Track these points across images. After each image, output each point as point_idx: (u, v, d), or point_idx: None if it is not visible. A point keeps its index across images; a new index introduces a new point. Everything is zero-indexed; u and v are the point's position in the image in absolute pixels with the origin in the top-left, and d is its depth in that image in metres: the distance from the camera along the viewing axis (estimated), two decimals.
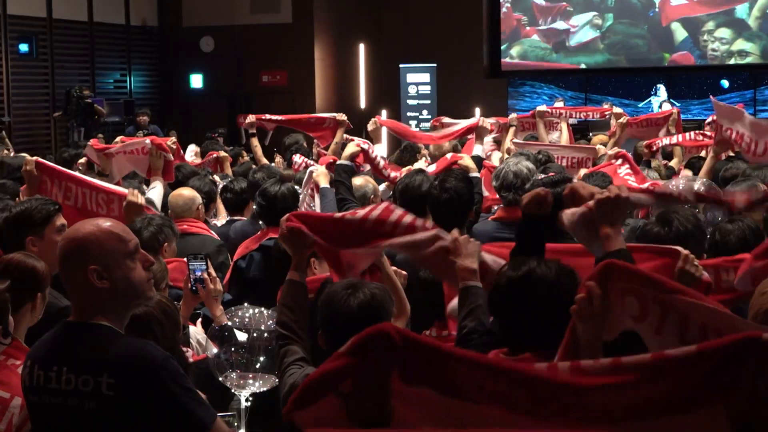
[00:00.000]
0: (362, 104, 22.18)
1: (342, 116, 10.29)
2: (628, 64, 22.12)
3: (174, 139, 9.15)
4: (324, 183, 7.41)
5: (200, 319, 5.29)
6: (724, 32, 21.56)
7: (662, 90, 21.80)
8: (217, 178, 9.15)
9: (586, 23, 22.17)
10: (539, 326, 3.15)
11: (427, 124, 16.03)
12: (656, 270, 3.57)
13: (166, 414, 3.06)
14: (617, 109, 11.36)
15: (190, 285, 5.00)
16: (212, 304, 4.95)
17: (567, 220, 3.48)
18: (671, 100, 20.93)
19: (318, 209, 6.66)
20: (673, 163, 9.79)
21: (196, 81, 21.81)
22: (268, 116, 11.00)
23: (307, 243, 3.96)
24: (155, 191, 7.55)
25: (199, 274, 5.03)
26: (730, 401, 2.03)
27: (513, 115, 11.54)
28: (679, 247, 3.73)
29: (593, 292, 2.71)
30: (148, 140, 8.13)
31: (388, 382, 2.19)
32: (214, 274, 5.04)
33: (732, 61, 21.57)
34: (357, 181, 7.25)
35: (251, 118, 10.81)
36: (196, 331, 5.00)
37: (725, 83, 21.62)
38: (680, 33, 21.79)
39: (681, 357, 2.05)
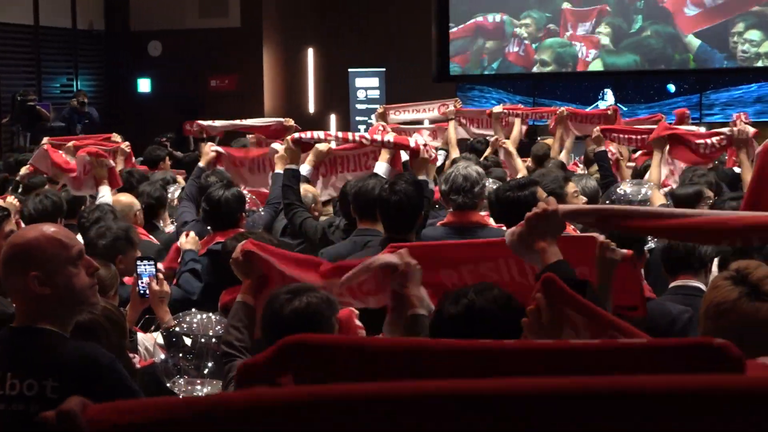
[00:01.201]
0: (311, 109, 22.16)
1: (290, 121, 10.27)
2: (577, 68, 22.28)
3: (127, 144, 9.14)
4: (279, 168, 7.44)
5: (153, 327, 5.26)
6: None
7: (609, 94, 21.95)
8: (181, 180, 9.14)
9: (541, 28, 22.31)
10: None
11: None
12: (581, 259, 3.64)
13: None
14: (497, 108, 11.49)
15: (138, 288, 4.97)
16: (158, 307, 4.92)
17: (508, 239, 3.52)
18: (618, 104, 21.07)
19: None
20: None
21: (144, 85, 21.69)
22: (214, 123, 10.95)
23: (259, 270, 3.96)
24: (104, 200, 7.50)
25: (147, 278, 5.00)
26: None
27: (451, 107, 11.59)
28: (595, 234, 3.78)
29: (540, 303, 2.71)
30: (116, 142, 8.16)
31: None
32: (162, 276, 5.02)
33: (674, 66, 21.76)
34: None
35: (197, 126, 10.81)
36: (144, 338, 4.97)
37: (672, 88, 21.81)
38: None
39: (632, 346, 2.04)
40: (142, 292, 4.95)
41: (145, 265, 5.02)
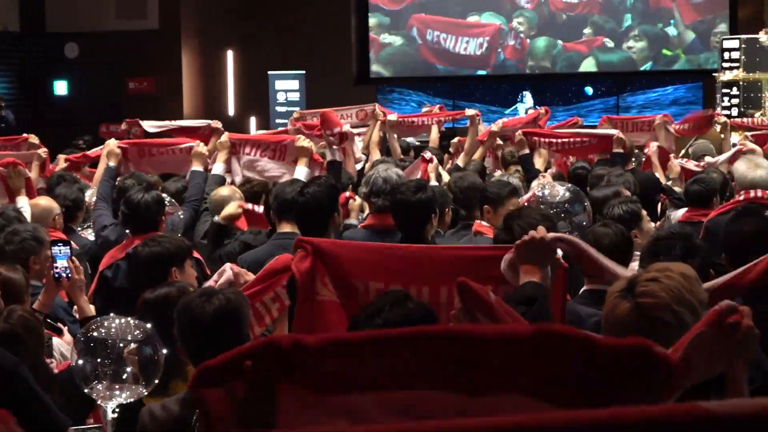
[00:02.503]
0: (231, 111, 22.05)
1: (217, 123, 10.23)
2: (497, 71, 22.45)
3: (44, 150, 8.99)
4: (197, 166, 7.43)
5: (66, 327, 5.20)
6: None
7: (528, 97, 22.14)
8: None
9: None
10: None
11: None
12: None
13: (18, 421, 3.00)
14: (470, 111, 11.51)
15: (52, 272, 4.90)
16: (77, 294, 4.87)
17: (502, 267, 3.63)
18: (537, 107, 21.24)
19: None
20: (538, 164, 9.87)
21: (61, 88, 21.41)
22: (146, 123, 10.86)
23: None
24: (24, 211, 7.40)
25: (61, 261, 4.93)
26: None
27: (377, 108, 11.59)
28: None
29: (457, 308, 2.73)
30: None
31: (273, 397, 2.16)
32: (77, 262, 4.96)
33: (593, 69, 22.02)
34: (223, 191, 7.21)
35: (124, 125, 10.70)
36: (59, 343, 4.91)
37: (589, 90, 22.06)
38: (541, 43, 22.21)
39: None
40: (56, 276, 4.88)
41: (60, 247, 4.95)
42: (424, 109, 19.29)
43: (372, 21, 22.70)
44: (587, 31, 21.99)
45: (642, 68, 21.79)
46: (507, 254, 3.61)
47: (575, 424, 1.55)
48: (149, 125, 10.73)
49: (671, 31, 21.72)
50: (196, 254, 6.09)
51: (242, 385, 2.16)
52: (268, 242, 6.22)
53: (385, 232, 6.11)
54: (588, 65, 22.01)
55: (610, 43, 21.93)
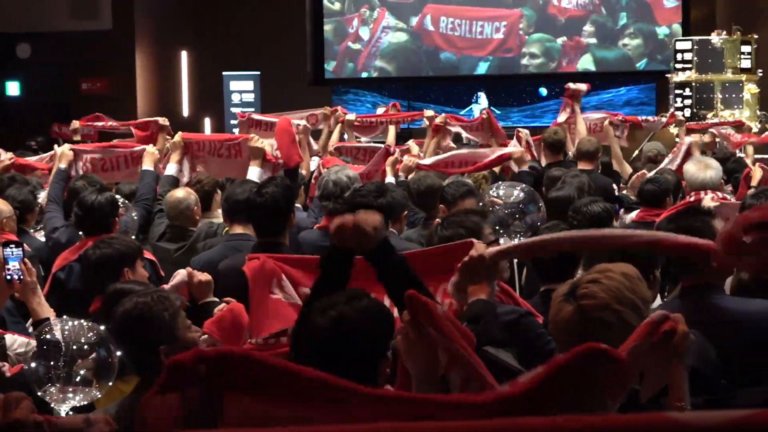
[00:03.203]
0: (185, 112, 21.95)
1: (165, 120, 10.18)
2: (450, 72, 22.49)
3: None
4: (148, 165, 7.41)
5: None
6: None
7: (483, 98, 22.21)
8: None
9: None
10: (355, 370, 2.99)
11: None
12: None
13: None
14: (428, 112, 11.52)
15: (4, 274, 4.86)
16: (29, 296, 4.83)
17: (449, 290, 3.67)
18: (492, 107, 21.33)
19: None
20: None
21: (13, 88, 21.21)
22: (96, 123, 10.80)
23: None
24: None
25: (13, 263, 4.88)
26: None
27: (339, 112, 11.58)
28: (474, 240, 3.88)
29: (406, 321, 2.73)
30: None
31: (220, 405, 2.16)
32: (30, 264, 4.92)
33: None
34: (178, 193, 7.19)
35: (75, 123, 10.61)
36: (12, 340, 4.86)
37: (543, 91, 22.17)
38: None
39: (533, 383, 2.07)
40: (8, 278, 4.84)
41: (12, 249, 4.91)
42: (380, 110, 19.37)
43: (327, 26, 22.69)
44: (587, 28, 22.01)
45: (638, 65, 21.85)
46: (452, 277, 3.63)
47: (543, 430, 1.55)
48: (92, 125, 10.67)
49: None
50: (149, 255, 6.07)
51: (196, 391, 2.15)
52: (220, 243, 6.23)
53: None
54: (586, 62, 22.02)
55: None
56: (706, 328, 4.25)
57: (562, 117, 11.26)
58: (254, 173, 7.33)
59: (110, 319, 3.90)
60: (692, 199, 6.79)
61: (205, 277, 4.97)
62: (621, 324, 2.83)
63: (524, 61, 22.14)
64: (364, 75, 22.74)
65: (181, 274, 4.96)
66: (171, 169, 7.67)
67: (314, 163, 10.03)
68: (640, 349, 2.39)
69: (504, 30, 22.08)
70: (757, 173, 7.95)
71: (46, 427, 2.33)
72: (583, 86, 10.49)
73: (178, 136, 7.93)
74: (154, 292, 3.92)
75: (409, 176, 8.18)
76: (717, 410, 1.52)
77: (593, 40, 21.87)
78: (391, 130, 11.68)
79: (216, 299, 4.93)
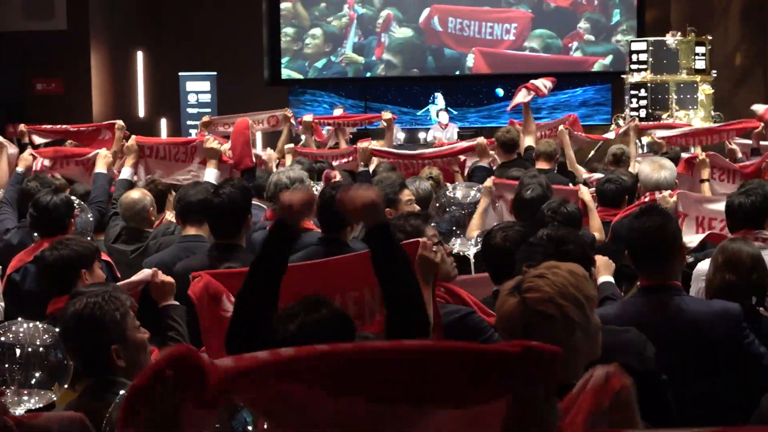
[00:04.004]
0: (141, 113, 21.84)
1: (120, 123, 10.11)
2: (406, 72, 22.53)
3: None
4: (101, 168, 7.39)
5: None
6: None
7: (440, 98, 22.25)
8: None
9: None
10: None
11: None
12: None
13: None
14: (386, 114, 11.52)
15: None
16: None
17: None
18: (449, 108, 21.39)
19: None
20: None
21: None
22: (43, 126, 10.71)
23: None
24: None
25: None
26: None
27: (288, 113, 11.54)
28: (421, 239, 3.92)
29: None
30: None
31: (178, 411, 2.15)
32: None
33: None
34: (134, 194, 7.16)
35: (22, 127, 10.52)
36: None
37: (500, 91, 22.24)
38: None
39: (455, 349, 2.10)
40: None
41: None
42: (337, 111, 19.38)
43: (286, 29, 22.68)
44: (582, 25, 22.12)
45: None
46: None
47: None
48: (40, 134, 10.59)
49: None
50: (105, 257, 6.04)
51: (159, 400, 2.14)
52: (173, 245, 6.22)
53: None
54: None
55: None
56: (664, 328, 4.31)
57: (519, 98, 11.30)
58: (211, 174, 7.32)
59: (60, 323, 3.87)
60: (647, 199, 6.83)
61: (168, 278, 4.96)
62: (563, 318, 2.89)
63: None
64: (324, 75, 22.74)
65: (144, 273, 4.93)
66: (125, 173, 7.65)
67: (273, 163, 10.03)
68: (599, 416, 2.37)
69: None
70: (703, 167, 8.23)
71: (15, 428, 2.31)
72: (548, 83, 10.47)
73: (132, 140, 7.90)
74: (105, 292, 3.89)
75: (371, 167, 8.24)
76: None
77: (591, 37, 21.99)
78: (342, 143, 11.57)
79: (177, 303, 4.92)
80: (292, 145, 10.55)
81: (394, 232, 4.38)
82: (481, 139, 9.25)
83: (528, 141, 10.59)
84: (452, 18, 22.32)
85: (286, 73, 22.72)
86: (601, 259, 4.96)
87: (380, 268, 3.58)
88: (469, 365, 2.09)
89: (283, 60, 22.70)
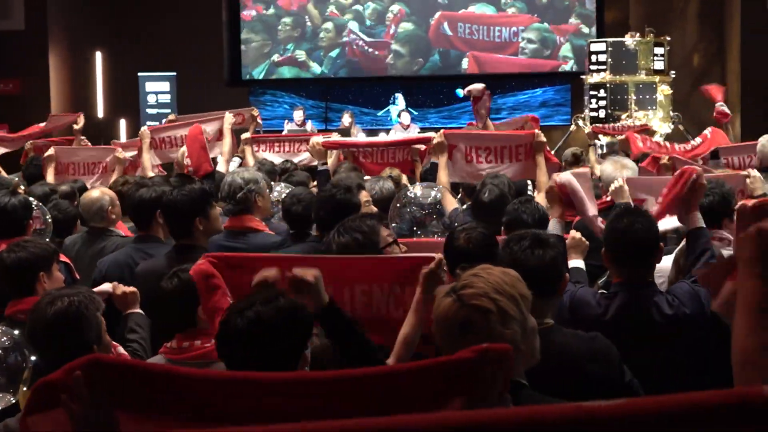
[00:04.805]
0: (100, 114, 21.70)
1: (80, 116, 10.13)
2: (367, 73, 22.52)
3: None
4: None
5: None
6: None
7: (400, 99, 22.27)
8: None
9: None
10: (272, 369, 3.09)
11: None
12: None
13: None
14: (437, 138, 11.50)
15: None
16: None
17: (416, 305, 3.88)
18: (409, 108, 21.40)
19: None
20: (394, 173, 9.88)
21: None
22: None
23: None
24: None
25: None
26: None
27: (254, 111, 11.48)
28: (438, 255, 3.98)
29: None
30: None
31: (109, 406, 2.14)
32: None
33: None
34: (93, 193, 7.12)
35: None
36: None
37: (460, 92, 22.28)
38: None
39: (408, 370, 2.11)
40: None
41: None
42: (297, 113, 19.38)
43: (244, 21, 22.61)
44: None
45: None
46: (417, 295, 3.85)
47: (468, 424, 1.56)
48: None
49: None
50: (63, 258, 5.99)
51: (78, 404, 2.13)
52: (127, 246, 6.22)
53: (237, 233, 6.45)
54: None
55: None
56: (638, 324, 4.38)
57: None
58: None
59: (33, 323, 3.81)
60: (608, 198, 6.85)
61: (131, 289, 4.94)
62: (499, 312, 2.94)
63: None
64: (285, 76, 22.69)
65: (105, 287, 4.90)
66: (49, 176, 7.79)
67: (235, 163, 10.00)
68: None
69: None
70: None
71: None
72: (479, 86, 10.48)
73: (51, 151, 8.03)
74: (80, 292, 3.87)
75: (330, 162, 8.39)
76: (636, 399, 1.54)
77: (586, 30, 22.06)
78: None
79: (140, 311, 4.90)
80: (248, 135, 10.57)
81: (347, 234, 4.41)
82: (439, 136, 9.24)
83: None
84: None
85: (246, 73, 22.64)
86: (573, 237, 5.03)
87: (338, 342, 3.61)
88: (423, 382, 2.10)
89: (243, 60, 22.62)
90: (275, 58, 22.55)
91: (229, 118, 9.83)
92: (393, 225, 6.45)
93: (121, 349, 4.35)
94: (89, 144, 10.38)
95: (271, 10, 22.50)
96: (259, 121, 11.18)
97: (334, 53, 22.48)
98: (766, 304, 2.07)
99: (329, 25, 22.40)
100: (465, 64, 22.09)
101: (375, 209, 6.73)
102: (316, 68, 22.55)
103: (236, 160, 10.16)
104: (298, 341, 3.13)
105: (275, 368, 3.00)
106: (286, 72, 22.61)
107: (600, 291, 4.79)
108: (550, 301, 3.94)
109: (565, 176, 5.56)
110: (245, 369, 3.09)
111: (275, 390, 2.12)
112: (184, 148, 8.78)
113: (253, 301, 3.18)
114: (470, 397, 2.07)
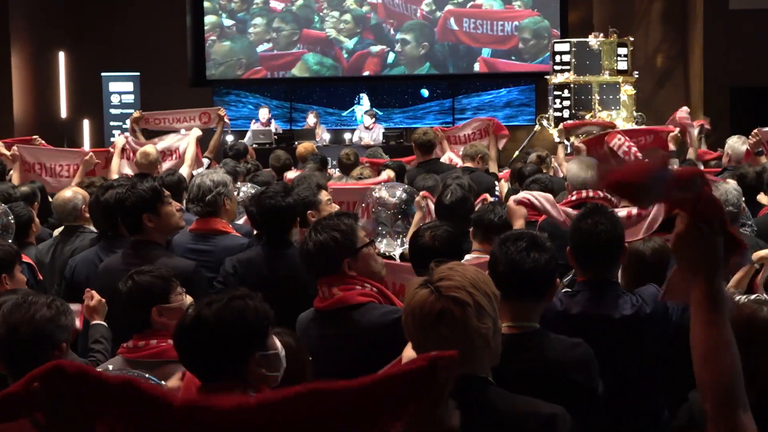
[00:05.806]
0: (63, 113, 21.56)
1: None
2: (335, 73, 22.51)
3: None
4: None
5: None
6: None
7: (365, 99, 22.27)
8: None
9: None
10: (227, 360, 3.16)
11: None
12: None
13: None
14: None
15: None
16: None
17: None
18: (374, 108, 21.40)
19: None
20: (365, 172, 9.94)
21: None
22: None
23: None
24: None
25: None
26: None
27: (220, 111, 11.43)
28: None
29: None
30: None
31: (80, 413, 2.12)
32: None
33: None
34: (66, 193, 7.12)
35: None
36: None
37: (425, 92, 22.31)
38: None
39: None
40: None
41: None
42: (262, 111, 19.36)
43: (208, 20, 22.54)
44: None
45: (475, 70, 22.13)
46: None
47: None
48: None
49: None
50: (27, 259, 5.95)
51: (43, 414, 2.11)
52: (96, 245, 6.19)
53: (206, 236, 6.45)
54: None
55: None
56: (598, 322, 4.40)
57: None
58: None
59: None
60: (573, 198, 6.87)
61: (95, 300, 4.90)
62: (475, 306, 2.95)
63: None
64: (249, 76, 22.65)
65: (77, 306, 4.85)
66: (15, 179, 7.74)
67: (205, 163, 9.98)
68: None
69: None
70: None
71: None
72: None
73: (14, 150, 7.97)
74: (54, 300, 3.79)
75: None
76: None
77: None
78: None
79: (104, 323, 4.87)
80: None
81: (324, 233, 4.38)
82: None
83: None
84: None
85: (210, 73, 22.57)
86: (511, 205, 5.14)
87: None
88: (378, 395, 2.10)
89: (207, 61, 22.54)
90: (240, 58, 22.52)
91: (196, 132, 9.94)
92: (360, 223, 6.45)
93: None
94: (44, 144, 10.30)
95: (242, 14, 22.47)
96: (226, 120, 11.13)
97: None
98: (712, 301, 2.31)
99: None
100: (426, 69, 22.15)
101: (337, 207, 6.74)
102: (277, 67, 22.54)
103: (205, 161, 10.13)
104: (244, 343, 3.14)
105: (219, 367, 3.11)
106: (252, 72, 22.57)
107: (564, 290, 4.81)
108: (538, 305, 3.94)
109: (522, 194, 5.61)
110: (190, 365, 3.19)
111: (228, 417, 2.11)
112: (154, 147, 8.80)
113: (211, 300, 3.23)
114: (423, 402, 2.08)
